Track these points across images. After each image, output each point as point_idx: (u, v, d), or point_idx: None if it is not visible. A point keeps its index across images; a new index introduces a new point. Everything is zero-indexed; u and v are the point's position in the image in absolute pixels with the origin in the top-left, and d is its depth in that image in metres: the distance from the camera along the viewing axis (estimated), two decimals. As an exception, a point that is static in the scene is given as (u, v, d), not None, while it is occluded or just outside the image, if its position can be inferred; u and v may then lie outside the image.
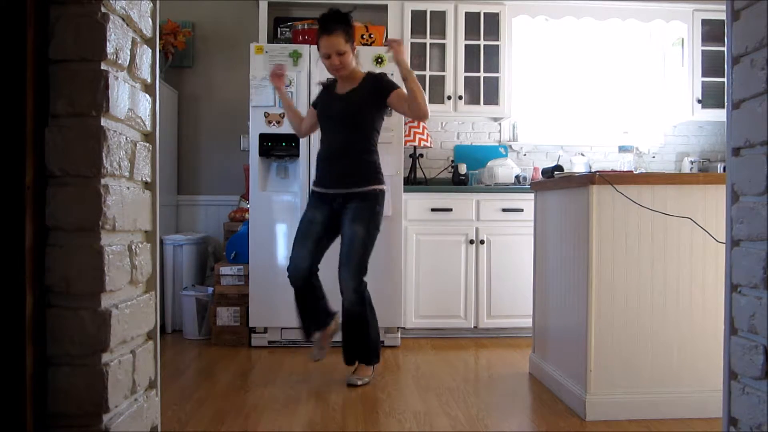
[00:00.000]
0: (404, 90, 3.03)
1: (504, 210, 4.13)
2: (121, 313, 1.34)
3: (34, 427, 1.21)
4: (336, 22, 3.01)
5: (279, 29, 4.38)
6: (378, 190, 3.10)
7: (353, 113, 3.08)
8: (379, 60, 3.92)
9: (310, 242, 3.11)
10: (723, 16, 1.44)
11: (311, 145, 3.87)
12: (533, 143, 4.83)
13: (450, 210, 4.12)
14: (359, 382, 3.07)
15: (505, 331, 4.16)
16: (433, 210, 4.11)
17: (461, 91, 4.46)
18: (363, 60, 3.91)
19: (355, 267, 3.04)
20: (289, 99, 3.47)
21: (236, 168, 4.60)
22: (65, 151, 1.24)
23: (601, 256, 2.58)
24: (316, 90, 3.86)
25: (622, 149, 4.27)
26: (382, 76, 3.17)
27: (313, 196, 3.20)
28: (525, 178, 4.40)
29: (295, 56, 3.90)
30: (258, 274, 3.88)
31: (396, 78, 3.15)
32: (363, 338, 3.13)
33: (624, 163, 4.18)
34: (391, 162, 3.81)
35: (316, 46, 3.90)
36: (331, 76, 3.22)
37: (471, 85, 4.48)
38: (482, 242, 4.12)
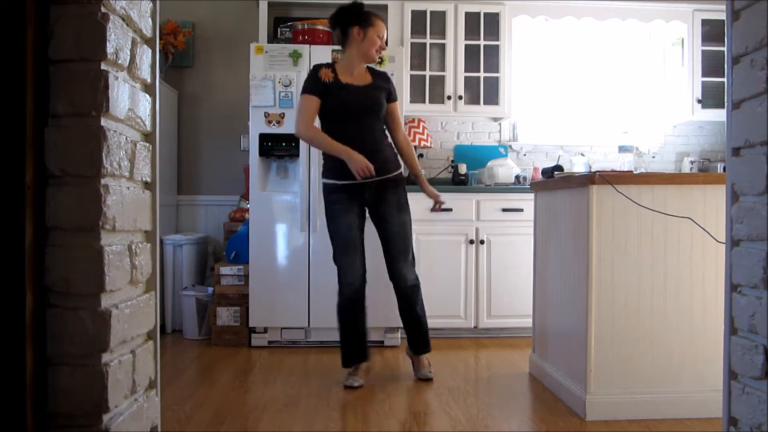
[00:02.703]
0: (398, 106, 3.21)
1: (504, 210, 4.13)
2: (121, 313, 1.34)
3: (34, 427, 1.21)
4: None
5: (279, 29, 4.37)
6: (402, 172, 3.19)
7: (375, 104, 3.09)
8: (379, 60, 3.91)
9: (356, 251, 3.09)
10: (723, 16, 1.44)
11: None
12: (533, 143, 4.83)
13: (450, 210, 4.11)
14: (431, 374, 3.18)
15: (505, 331, 4.16)
16: (433, 210, 4.10)
17: (461, 91, 4.46)
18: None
19: (412, 257, 3.13)
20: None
21: (236, 168, 4.60)
22: (65, 151, 1.24)
23: (601, 256, 2.58)
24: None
25: (622, 149, 4.27)
26: (389, 78, 3.23)
27: (338, 191, 3.05)
28: (525, 178, 4.40)
29: (295, 56, 3.90)
30: (258, 274, 3.88)
31: (396, 79, 3.21)
32: (425, 328, 3.21)
33: (624, 163, 4.18)
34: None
35: (317, 47, 3.94)
36: (323, 62, 3.20)
37: (471, 85, 4.48)
38: (482, 242, 4.12)
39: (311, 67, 3.25)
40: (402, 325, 3.27)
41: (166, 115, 4.26)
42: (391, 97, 3.15)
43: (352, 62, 3.09)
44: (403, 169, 3.20)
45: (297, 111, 3.09)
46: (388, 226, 3.08)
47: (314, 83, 3.02)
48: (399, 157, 3.21)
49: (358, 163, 2.89)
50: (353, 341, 3.12)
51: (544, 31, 4.82)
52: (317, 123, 3.08)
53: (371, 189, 3.06)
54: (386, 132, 3.19)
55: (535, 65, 4.85)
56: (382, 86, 3.13)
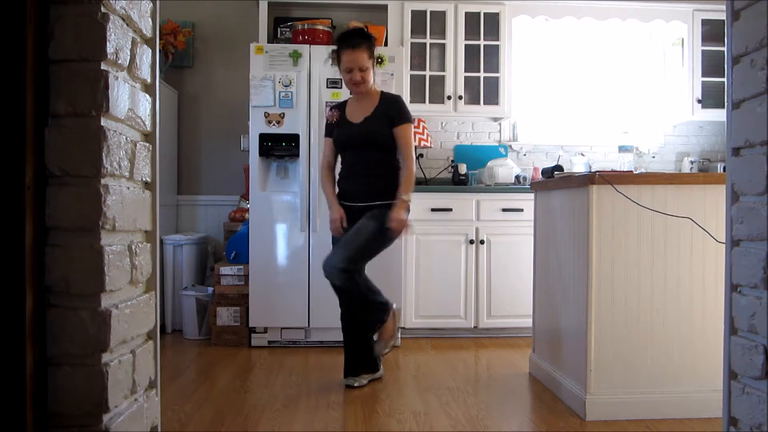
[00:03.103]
0: (410, 128, 3.11)
1: (504, 210, 4.13)
2: (121, 313, 1.34)
3: (34, 427, 1.21)
4: (361, 38, 3.03)
5: (279, 29, 4.38)
6: (392, 204, 3.06)
7: (368, 137, 3.09)
8: (379, 60, 3.90)
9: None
10: (723, 16, 1.44)
11: (311, 145, 3.87)
12: (533, 143, 4.83)
13: (450, 210, 4.12)
14: (356, 384, 3.04)
15: (505, 331, 4.16)
16: (433, 210, 4.11)
17: (461, 91, 4.46)
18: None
19: (352, 256, 2.97)
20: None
21: (236, 168, 4.60)
22: (65, 151, 1.24)
23: (601, 256, 2.58)
24: (319, 90, 3.87)
25: (622, 149, 4.27)
26: (397, 103, 3.15)
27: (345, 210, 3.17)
28: (525, 178, 4.40)
29: (295, 56, 3.90)
30: (258, 274, 3.88)
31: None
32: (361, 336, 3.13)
33: (624, 163, 4.19)
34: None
35: (317, 47, 3.95)
36: (340, 100, 3.26)
37: (471, 85, 4.48)
38: (482, 242, 4.12)
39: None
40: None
41: (166, 115, 4.26)
42: (394, 122, 3.07)
43: (353, 98, 3.21)
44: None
45: None
46: (354, 226, 3.05)
47: (326, 126, 3.32)
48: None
49: (332, 219, 3.16)
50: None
51: (544, 31, 4.82)
52: None
53: (359, 210, 3.09)
54: (390, 160, 3.11)
55: (535, 65, 4.85)
56: (383, 115, 3.08)
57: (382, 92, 3.19)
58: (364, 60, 3.03)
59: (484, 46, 4.47)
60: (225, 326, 3.92)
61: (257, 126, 3.89)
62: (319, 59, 3.90)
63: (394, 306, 3.19)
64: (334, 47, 3.12)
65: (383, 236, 3.05)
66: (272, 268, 3.90)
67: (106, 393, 1.27)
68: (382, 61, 3.90)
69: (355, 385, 3.04)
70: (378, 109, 3.10)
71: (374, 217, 3.04)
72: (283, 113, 3.88)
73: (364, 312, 3.09)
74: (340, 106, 3.24)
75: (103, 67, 1.27)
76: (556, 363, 2.97)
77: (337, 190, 3.23)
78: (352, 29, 3.13)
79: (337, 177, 3.25)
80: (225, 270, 3.95)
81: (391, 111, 3.10)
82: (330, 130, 3.24)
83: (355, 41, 3.02)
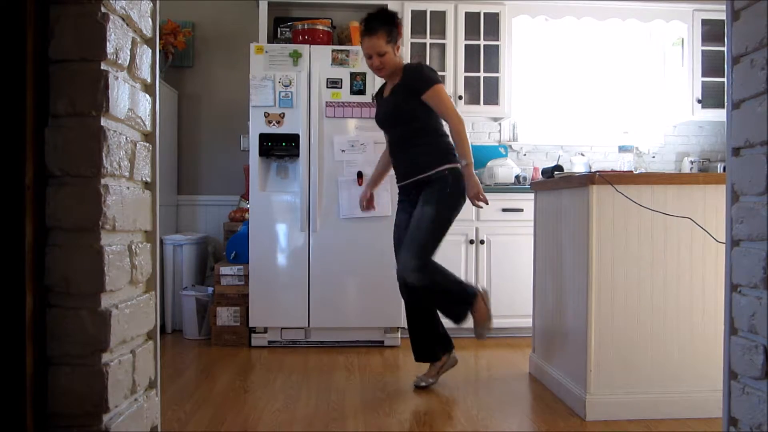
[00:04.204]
0: (442, 89, 2.98)
1: (504, 210, 4.13)
2: (121, 313, 1.34)
3: (34, 427, 1.21)
4: (379, 22, 2.99)
5: (279, 29, 4.38)
6: (446, 171, 2.96)
7: (394, 113, 3.06)
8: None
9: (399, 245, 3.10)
10: (723, 16, 1.44)
11: (311, 145, 3.87)
12: (533, 143, 4.83)
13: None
14: (423, 384, 3.02)
15: (505, 331, 4.16)
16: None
17: (461, 91, 4.46)
18: (363, 60, 3.90)
19: (418, 249, 2.91)
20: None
21: (236, 168, 4.60)
22: (65, 151, 1.24)
23: (601, 256, 2.58)
24: (319, 90, 3.87)
25: (622, 149, 4.27)
26: (419, 70, 3.03)
27: (399, 192, 3.20)
28: (525, 178, 4.40)
29: (295, 56, 3.90)
30: (258, 274, 3.88)
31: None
32: (422, 333, 3.10)
33: (624, 163, 4.18)
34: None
35: (317, 47, 3.95)
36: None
37: (471, 85, 4.48)
38: (482, 242, 4.11)
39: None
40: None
41: (166, 115, 4.26)
42: (420, 91, 2.95)
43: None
44: (450, 167, 2.98)
45: None
46: (412, 220, 2.99)
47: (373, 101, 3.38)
48: (447, 154, 3.01)
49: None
50: (414, 337, 3.12)
51: (544, 31, 4.82)
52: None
53: (411, 189, 3.06)
54: (427, 131, 3.03)
55: (535, 65, 4.85)
56: (406, 88, 3.00)
57: (404, 65, 3.08)
58: (381, 45, 2.97)
59: (484, 46, 4.47)
60: (225, 326, 3.92)
61: (257, 126, 3.89)
62: (319, 59, 3.90)
63: (479, 288, 3.08)
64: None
65: (443, 219, 2.96)
66: (272, 268, 3.90)
67: (106, 393, 1.27)
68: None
69: (422, 385, 3.01)
70: (400, 83, 3.03)
71: (427, 203, 2.93)
72: (283, 113, 3.88)
73: (450, 304, 3.01)
74: (381, 88, 3.26)
75: (103, 67, 1.27)
76: (556, 363, 2.97)
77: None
78: (374, 13, 3.04)
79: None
80: (225, 270, 3.95)
81: (414, 81, 2.99)
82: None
83: (371, 26, 2.98)
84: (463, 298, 3.00)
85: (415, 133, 3.02)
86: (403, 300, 3.16)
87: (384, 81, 3.23)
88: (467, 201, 3.00)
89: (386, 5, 4.40)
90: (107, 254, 1.28)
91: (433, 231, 2.93)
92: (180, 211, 4.67)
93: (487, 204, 2.99)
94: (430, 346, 3.11)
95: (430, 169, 2.97)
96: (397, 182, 3.18)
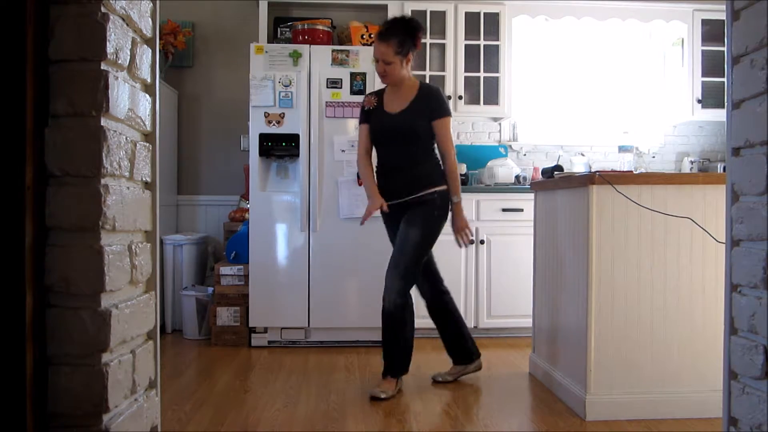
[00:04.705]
0: (449, 122, 3.04)
1: (504, 210, 4.13)
2: (121, 313, 1.34)
3: (34, 427, 1.21)
4: (395, 30, 2.95)
5: (279, 29, 4.38)
6: (435, 193, 3.00)
7: (405, 131, 3.01)
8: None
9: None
10: (723, 16, 1.44)
11: (311, 145, 3.87)
12: (533, 143, 4.83)
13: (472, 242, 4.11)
14: (382, 395, 2.86)
15: (505, 331, 4.16)
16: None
17: (461, 91, 4.46)
18: (363, 60, 3.92)
19: (403, 271, 2.94)
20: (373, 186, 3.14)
21: (236, 168, 4.60)
22: (65, 151, 1.24)
23: (601, 256, 2.58)
24: (319, 90, 3.87)
25: (622, 149, 4.27)
26: (439, 95, 3.06)
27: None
28: (525, 178, 4.40)
29: (295, 56, 3.90)
30: (258, 274, 3.88)
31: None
32: (397, 351, 3.02)
33: (624, 163, 4.18)
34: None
35: (317, 47, 3.95)
36: (380, 86, 3.22)
37: (471, 85, 4.48)
38: (482, 242, 4.11)
39: None
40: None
41: (166, 115, 4.26)
42: (433, 115, 2.99)
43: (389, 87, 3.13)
44: (440, 189, 3.02)
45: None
46: (398, 238, 3.01)
47: (361, 111, 3.18)
48: (440, 177, 3.04)
49: (370, 206, 3.06)
50: (389, 351, 3.01)
51: (544, 31, 4.82)
52: None
53: (402, 208, 3.03)
54: (427, 153, 3.05)
55: (535, 65, 4.85)
56: (420, 108, 2.99)
57: (420, 83, 3.08)
58: (389, 54, 2.94)
59: (484, 46, 4.47)
60: (225, 326, 3.92)
61: (257, 126, 3.89)
62: (319, 59, 3.90)
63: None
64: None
65: (429, 241, 3.04)
66: (272, 268, 3.90)
67: (106, 393, 1.27)
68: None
69: (381, 396, 2.87)
70: (417, 100, 3.01)
71: (414, 224, 2.96)
72: (283, 113, 3.88)
73: (398, 345, 3.00)
74: (379, 93, 3.15)
75: (103, 67, 1.27)
76: (556, 363, 2.97)
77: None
78: (396, 19, 3.05)
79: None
80: (225, 270, 3.95)
81: (431, 103, 3.00)
82: (367, 116, 3.13)
83: (386, 32, 2.95)
84: (407, 354, 3.04)
85: (416, 154, 3.03)
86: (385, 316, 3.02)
87: (378, 92, 3.16)
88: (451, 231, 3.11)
89: (386, 5, 4.42)
90: (107, 254, 1.28)
91: (419, 253, 3.00)
92: (180, 211, 4.67)
93: (472, 243, 3.01)
94: (464, 346, 3.22)
95: (430, 187, 3.00)
96: (387, 199, 3.04)
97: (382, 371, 3.00)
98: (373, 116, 3.10)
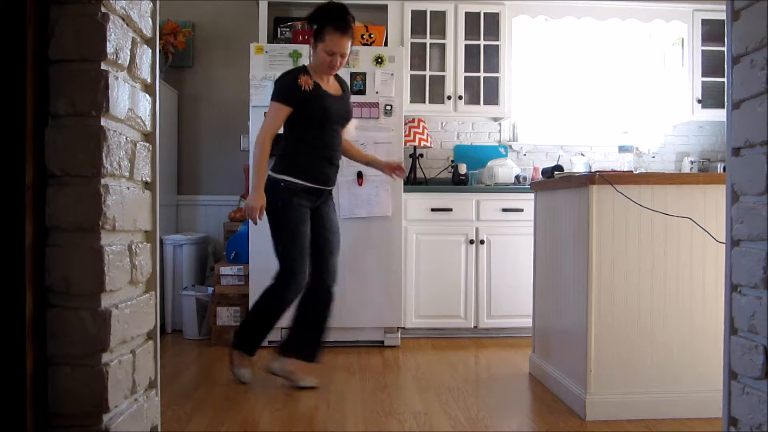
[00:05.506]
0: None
1: (504, 210, 4.13)
2: (121, 313, 1.34)
3: (34, 427, 1.21)
4: (350, 23, 2.89)
5: (279, 29, 4.38)
6: None
7: (349, 115, 3.12)
8: (379, 60, 3.92)
9: (307, 252, 3.01)
10: (723, 16, 1.44)
11: (311, 145, 3.86)
12: (533, 143, 4.83)
13: (450, 210, 4.11)
14: (305, 383, 3.01)
15: (505, 331, 4.16)
16: (433, 210, 4.11)
17: (461, 91, 4.46)
18: (363, 60, 3.92)
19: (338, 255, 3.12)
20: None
21: (236, 168, 4.60)
22: (65, 151, 1.24)
23: (601, 256, 2.58)
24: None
25: (622, 149, 4.27)
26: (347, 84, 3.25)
27: (306, 193, 2.94)
28: (525, 178, 4.40)
29: (295, 56, 3.90)
30: (258, 274, 3.87)
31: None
32: (324, 336, 3.10)
33: (624, 163, 4.18)
34: (391, 162, 3.80)
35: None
36: (299, 66, 3.18)
37: (471, 85, 4.48)
38: (482, 242, 4.12)
39: (285, 72, 2.98)
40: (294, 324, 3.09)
41: (166, 115, 4.26)
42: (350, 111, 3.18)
43: (316, 70, 2.96)
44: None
45: (266, 117, 2.96)
46: (332, 224, 3.08)
47: (292, 92, 2.89)
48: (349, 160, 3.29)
49: (252, 206, 2.87)
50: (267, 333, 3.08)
51: (544, 31, 4.82)
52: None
53: (321, 194, 3.03)
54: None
55: (535, 65, 4.84)
56: (349, 97, 3.16)
57: (337, 75, 3.13)
58: (348, 48, 2.92)
59: (484, 46, 4.47)
60: (225, 326, 3.92)
61: (257, 126, 3.88)
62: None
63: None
64: (310, 18, 2.91)
65: None
66: (272, 268, 3.89)
67: (106, 393, 1.27)
68: (382, 60, 3.91)
69: (244, 379, 3.04)
70: (344, 85, 3.13)
71: (334, 210, 3.14)
72: (283, 113, 3.87)
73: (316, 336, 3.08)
74: (308, 73, 2.94)
75: (103, 67, 1.27)
76: (556, 363, 2.97)
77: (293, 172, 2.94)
78: (343, 9, 2.88)
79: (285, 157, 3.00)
80: (225, 270, 3.95)
81: (350, 95, 3.20)
82: (297, 99, 2.89)
83: (347, 27, 2.87)
84: (319, 341, 3.09)
85: (341, 139, 3.11)
86: (284, 306, 3.04)
87: (305, 70, 2.96)
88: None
89: (386, 5, 4.42)
90: (107, 254, 1.28)
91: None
92: (180, 211, 4.67)
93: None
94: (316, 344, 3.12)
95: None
96: (316, 185, 2.95)
97: (311, 358, 3.06)
98: (313, 97, 2.90)
